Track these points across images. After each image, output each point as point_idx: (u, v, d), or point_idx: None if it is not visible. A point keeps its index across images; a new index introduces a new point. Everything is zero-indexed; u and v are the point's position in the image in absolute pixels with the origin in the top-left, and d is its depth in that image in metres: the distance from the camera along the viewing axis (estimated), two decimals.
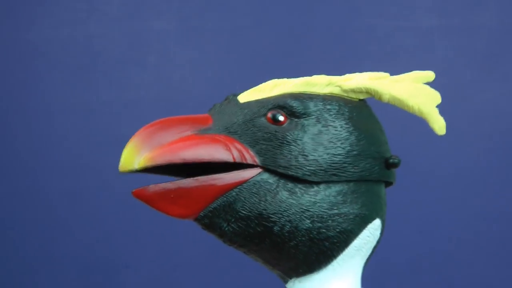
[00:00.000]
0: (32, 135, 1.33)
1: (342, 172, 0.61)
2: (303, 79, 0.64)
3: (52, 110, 1.33)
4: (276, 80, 0.65)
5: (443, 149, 1.29)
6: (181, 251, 1.31)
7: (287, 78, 0.65)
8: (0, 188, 1.33)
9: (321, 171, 0.61)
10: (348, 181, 0.61)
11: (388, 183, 0.66)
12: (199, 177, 0.59)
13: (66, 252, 1.31)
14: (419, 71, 0.67)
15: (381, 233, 0.65)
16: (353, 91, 0.64)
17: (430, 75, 0.67)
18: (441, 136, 0.65)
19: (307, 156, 0.60)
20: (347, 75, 0.65)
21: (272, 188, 0.60)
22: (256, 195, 0.60)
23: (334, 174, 0.61)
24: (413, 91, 0.65)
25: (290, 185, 0.60)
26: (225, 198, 0.60)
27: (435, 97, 0.65)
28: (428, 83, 0.66)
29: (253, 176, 0.60)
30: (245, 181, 0.60)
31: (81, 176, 1.32)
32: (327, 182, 0.61)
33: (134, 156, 0.59)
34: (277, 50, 1.31)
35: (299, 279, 0.63)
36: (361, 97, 0.65)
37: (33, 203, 1.32)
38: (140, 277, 1.31)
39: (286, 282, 0.64)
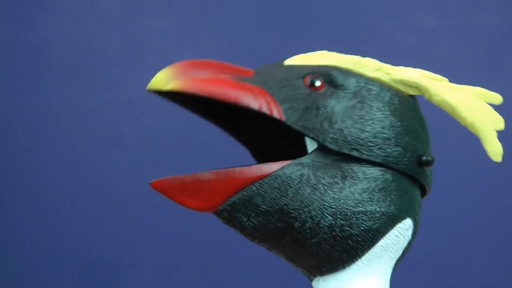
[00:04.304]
0: (32, 135, 1.33)
1: (365, 150, 0.58)
2: (354, 57, 0.62)
3: (52, 110, 1.33)
4: (326, 51, 0.63)
5: (442, 149, 1.29)
6: (181, 251, 1.31)
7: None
8: (0, 188, 1.33)
9: (343, 142, 0.58)
10: (375, 178, 0.58)
11: (422, 188, 0.63)
12: (218, 170, 0.57)
13: (66, 252, 1.31)
14: (485, 89, 0.62)
15: (413, 234, 0.62)
16: (402, 82, 0.61)
17: (496, 97, 0.62)
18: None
19: (333, 124, 0.58)
20: (401, 66, 0.63)
21: (294, 184, 0.57)
22: (277, 190, 0.57)
23: (355, 149, 0.58)
24: (470, 103, 0.61)
25: (313, 180, 0.57)
26: (245, 192, 0.57)
27: (497, 120, 0.61)
28: (492, 106, 0.61)
29: (275, 171, 0.57)
30: (266, 176, 0.57)
31: (81, 176, 1.32)
32: (347, 155, 0.58)
33: (167, 79, 0.59)
34: (277, 50, 1.31)
35: (323, 277, 0.60)
36: (411, 92, 0.62)
37: (33, 203, 1.32)
38: (140, 277, 1.31)
39: (311, 280, 0.62)
